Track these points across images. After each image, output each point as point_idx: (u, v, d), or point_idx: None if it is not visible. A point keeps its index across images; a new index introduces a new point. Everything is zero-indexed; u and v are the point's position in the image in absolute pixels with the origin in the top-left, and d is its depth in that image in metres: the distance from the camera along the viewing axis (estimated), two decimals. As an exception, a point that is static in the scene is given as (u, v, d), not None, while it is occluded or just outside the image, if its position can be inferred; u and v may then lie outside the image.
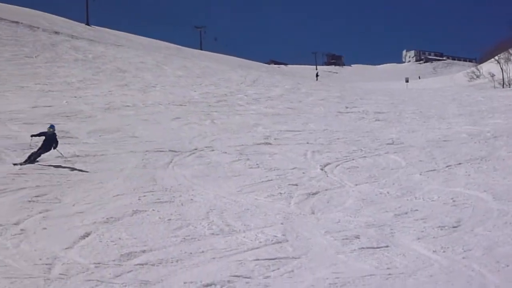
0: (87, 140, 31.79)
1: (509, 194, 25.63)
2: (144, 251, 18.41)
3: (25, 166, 26.71)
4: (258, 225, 21.39)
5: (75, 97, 42.65)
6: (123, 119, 37.17)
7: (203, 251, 18.91)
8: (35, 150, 27.77)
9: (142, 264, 17.57)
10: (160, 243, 19.33)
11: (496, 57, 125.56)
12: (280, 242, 19.71)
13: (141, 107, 41.56)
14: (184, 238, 19.95)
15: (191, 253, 18.73)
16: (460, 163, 31.75)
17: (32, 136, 28.18)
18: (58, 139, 28.35)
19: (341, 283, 16.73)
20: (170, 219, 21.71)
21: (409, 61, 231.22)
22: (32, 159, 27.48)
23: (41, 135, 28.22)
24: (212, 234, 20.51)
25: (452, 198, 25.28)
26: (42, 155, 27.92)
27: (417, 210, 23.74)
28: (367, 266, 18.07)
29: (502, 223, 22.12)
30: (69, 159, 28.16)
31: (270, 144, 34.27)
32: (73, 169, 26.98)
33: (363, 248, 19.57)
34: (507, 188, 26.61)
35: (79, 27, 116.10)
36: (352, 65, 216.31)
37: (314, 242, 20.10)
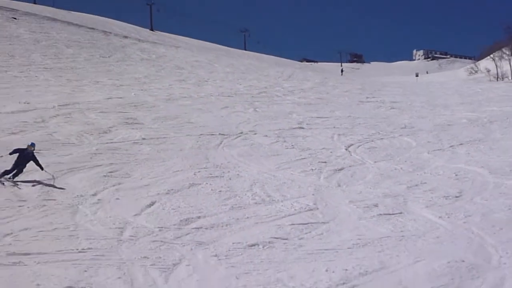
0: (151, 126, 31.77)
1: (503, 169, 25.48)
2: (199, 217, 18.45)
3: (95, 147, 26.81)
4: (293, 196, 21.39)
5: (142, 90, 42.66)
6: (181, 108, 37.12)
7: (248, 217, 18.96)
8: (8, 168, 21.48)
9: (197, 228, 17.63)
10: (212, 211, 19.38)
11: (492, 55, 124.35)
12: (312, 210, 19.70)
13: (196, 98, 41.49)
14: (232, 207, 19.99)
15: (238, 219, 18.76)
16: (461, 144, 31.55)
17: (10, 153, 22.08)
18: (36, 158, 22.10)
19: (363, 244, 16.72)
20: (220, 191, 21.75)
21: (419, 59, 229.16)
22: (3, 176, 21.25)
23: (16, 152, 21.98)
24: (255, 203, 20.53)
25: (455, 173, 25.16)
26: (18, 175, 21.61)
27: (425, 183, 23.65)
28: (384, 230, 18.04)
29: (497, 193, 22.02)
30: (136, 140, 28.20)
31: (303, 128, 34.13)
32: (140, 149, 27.02)
33: (380, 214, 19.54)
34: (501, 165, 26.44)
35: (145, 32, 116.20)
36: (371, 62, 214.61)
37: (340, 209, 20.08)
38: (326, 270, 14.63)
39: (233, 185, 22.58)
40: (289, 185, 22.89)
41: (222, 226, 18.08)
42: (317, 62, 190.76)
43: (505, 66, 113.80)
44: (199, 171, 24.21)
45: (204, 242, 16.68)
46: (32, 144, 22.50)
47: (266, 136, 31.54)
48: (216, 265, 15.01)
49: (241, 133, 31.88)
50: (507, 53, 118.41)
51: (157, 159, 25.80)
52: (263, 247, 16.40)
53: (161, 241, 16.47)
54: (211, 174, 24.01)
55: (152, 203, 19.86)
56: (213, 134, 30.91)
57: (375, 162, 27.29)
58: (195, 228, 17.63)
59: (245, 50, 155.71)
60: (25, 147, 22.36)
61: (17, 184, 20.89)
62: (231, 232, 17.61)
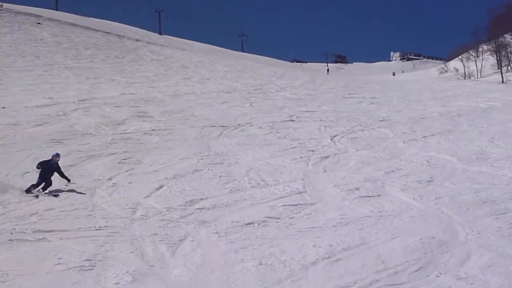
0: (160, 118, 31.75)
1: (469, 157, 25.54)
2: (202, 199, 18.46)
3: (110, 138, 26.81)
4: (285, 180, 21.39)
5: (151, 87, 42.62)
6: (186, 103, 37.09)
7: (244, 199, 18.97)
8: (34, 183, 18.96)
9: (200, 208, 17.65)
10: (213, 193, 19.39)
11: (460, 57, 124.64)
12: (301, 193, 19.71)
13: (199, 94, 41.46)
14: (231, 190, 20.00)
15: (236, 200, 18.78)
16: (433, 135, 31.58)
17: (37, 167, 19.40)
18: (61, 168, 19.63)
19: (346, 222, 16.75)
20: (220, 176, 21.75)
21: (395, 59, 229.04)
22: (31, 189, 18.67)
23: (42, 165, 19.41)
24: (251, 187, 20.54)
25: (427, 160, 25.17)
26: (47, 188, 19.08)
27: (401, 169, 23.67)
28: (365, 210, 18.06)
29: (464, 178, 22.07)
30: (146, 131, 28.20)
31: (293, 121, 34.12)
32: (150, 139, 27.02)
33: (361, 197, 19.56)
34: (467, 153, 26.49)
35: (154, 36, 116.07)
36: (353, 63, 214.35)
37: (325, 192, 20.10)
38: (314, 246, 14.66)
39: (231, 171, 22.58)
40: (281, 171, 22.90)
41: (222, 207, 18.10)
42: (306, 62, 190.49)
43: (471, 66, 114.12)
44: (202, 159, 24.21)
45: (206, 221, 16.70)
46: (57, 155, 19.98)
47: (261, 127, 31.52)
48: (217, 241, 15.04)
49: (239, 125, 31.86)
50: (473, 54, 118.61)
51: (164, 147, 25.80)
52: (258, 225, 16.42)
53: (169, 220, 16.49)
54: (212, 161, 24.01)
55: (161, 187, 19.88)
56: (214, 126, 30.90)
57: (356, 150, 27.29)
58: (198, 208, 17.66)
59: (243, 52, 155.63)
60: (49, 158, 19.80)
61: (57, 195, 18.56)
62: (230, 212, 17.63)
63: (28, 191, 18.50)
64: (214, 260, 13.65)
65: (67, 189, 19.03)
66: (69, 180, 19.47)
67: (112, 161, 22.94)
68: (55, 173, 19.34)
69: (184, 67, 59.13)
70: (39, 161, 19.68)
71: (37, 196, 18.24)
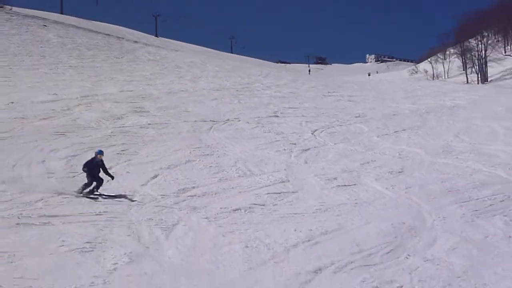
0: (155, 114, 31.63)
1: (436, 151, 25.65)
2: (193, 187, 18.46)
3: (110, 131, 26.72)
4: (269, 170, 21.40)
5: (148, 85, 42.43)
6: (179, 100, 36.97)
7: (232, 188, 18.97)
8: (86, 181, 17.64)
9: (192, 196, 17.64)
10: (204, 182, 19.38)
11: (429, 59, 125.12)
12: (284, 182, 19.73)
13: (191, 92, 41.31)
14: (220, 179, 19.99)
15: (224, 188, 18.78)
16: (404, 130, 31.68)
17: (83, 170, 17.85)
18: (105, 166, 18.29)
19: (324, 209, 16.79)
20: (211, 166, 21.72)
21: (371, 61, 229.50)
22: (88, 190, 17.41)
23: (87, 166, 17.85)
24: (239, 176, 20.53)
25: (398, 153, 25.26)
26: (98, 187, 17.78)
27: (375, 161, 23.73)
28: (342, 198, 18.11)
29: (432, 170, 22.17)
30: (143, 125, 28.11)
31: (277, 116, 34.07)
32: (146, 132, 26.93)
33: (339, 186, 19.62)
34: (435, 147, 26.61)
35: (151, 38, 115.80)
36: (332, 64, 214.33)
37: (306, 182, 20.13)
38: (295, 230, 14.68)
39: (221, 162, 22.55)
40: (266, 162, 22.88)
41: (212, 194, 18.10)
42: (289, 63, 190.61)
43: (439, 68, 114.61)
44: (193, 150, 24.15)
45: (197, 207, 16.69)
46: (100, 152, 18.53)
47: (248, 122, 31.49)
48: (207, 225, 15.03)
49: (228, 120, 31.80)
50: (441, 57, 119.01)
51: (160, 140, 25.72)
52: (244, 211, 16.44)
53: (163, 206, 16.47)
54: (203, 152, 23.96)
55: (156, 176, 19.85)
56: (205, 121, 30.82)
57: (335, 144, 27.31)
58: (190, 196, 17.64)
59: (232, 53, 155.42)
60: (93, 155, 18.36)
61: (114, 196, 17.41)
62: (219, 199, 17.63)
63: (81, 192, 17.19)
64: (204, 243, 13.65)
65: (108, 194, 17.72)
66: (112, 178, 18.29)
67: (111, 152, 22.83)
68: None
69: (178, 66, 58.92)
70: (84, 163, 18.05)
71: (95, 198, 17.09)
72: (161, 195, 17.67)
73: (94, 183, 17.54)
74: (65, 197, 16.69)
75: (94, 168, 17.79)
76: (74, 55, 55.04)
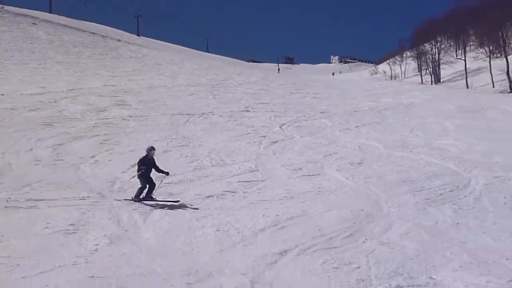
0: (136, 107, 31.40)
1: (393, 144, 25.80)
2: (170, 175, 18.39)
3: (94, 122, 26.48)
4: (240, 160, 21.39)
5: (130, 80, 42.07)
6: (158, 94, 36.72)
7: (206, 176, 18.95)
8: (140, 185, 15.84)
9: (169, 183, 17.56)
10: (180, 170, 19.31)
11: (388, 61, 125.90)
12: (254, 171, 19.74)
13: (170, 87, 41.04)
14: (195, 168, 19.96)
15: (199, 177, 18.75)
16: (364, 125, 31.82)
17: (139, 170, 15.99)
18: (156, 163, 16.45)
19: (290, 196, 16.83)
20: (186, 156, 21.65)
21: (335, 62, 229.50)
22: (144, 195, 15.74)
23: (142, 166, 16.04)
24: (212, 165, 20.50)
25: (358, 146, 25.37)
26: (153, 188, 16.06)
27: (337, 153, 23.81)
28: (306, 186, 18.17)
29: (389, 162, 22.30)
30: (124, 117, 27.93)
31: (248, 111, 34.01)
32: (127, 124, 26.74)
33: (304, 175, 19.67)
34: (392, 141, 26.77)
35: (133, 37, 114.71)
36: (300, 64, 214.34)
37: (274, 171, 20.15)
38: (263, 215, 14.68)
39: (196, 152, 22.48)
40: (237, 153, 22.86)
41: (187, 182, 18.07)
42: (261, 62, 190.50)
43: (397, 69, 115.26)
44: (171, 141, 24.04)
45: (173, 193, 16.67)
46: (152, 148, 16.66)
47: (221, 116, 31.40)
48: (182, 210, 15.00)
49: (203, 113, 31.67)
50: (399, 59, 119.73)
51: (140, 131, 25.56)
52: (217, 198, 16.44)
53: (142, 192, 16.40)
54: (180, 143, 23.86)
55: (135, 164, 19.74)
56: (182, 114, 30.67)
57: (301, 137, 27.36)
58: (167, 183, 17.53)
59: (208, 52, 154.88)
60: (145, 153, 16.51)
61: (177, 201, 15.90)
62: (193, 186, 17.61)
63: (137, 197, 15.60)
64: (179, 226, 13.60)
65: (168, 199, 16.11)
66: (167, 173, 16.52)
67: (94, 142, 22.66)
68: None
69: (158, 64, 58.49)
70: (139, 161, 16.30)
71: (155, 206, 15.44)
72: (140, 182, 17.59)
73: (147, 187, 15.86)
74: (51, 183, 16.55)
75: (147, 168, 16.19)
76: (61, 52, 54.36)
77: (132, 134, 24.94)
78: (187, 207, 15.40)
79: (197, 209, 15.22)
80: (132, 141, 23.60)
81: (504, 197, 17.26)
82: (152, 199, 15.75)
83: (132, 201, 15.52)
